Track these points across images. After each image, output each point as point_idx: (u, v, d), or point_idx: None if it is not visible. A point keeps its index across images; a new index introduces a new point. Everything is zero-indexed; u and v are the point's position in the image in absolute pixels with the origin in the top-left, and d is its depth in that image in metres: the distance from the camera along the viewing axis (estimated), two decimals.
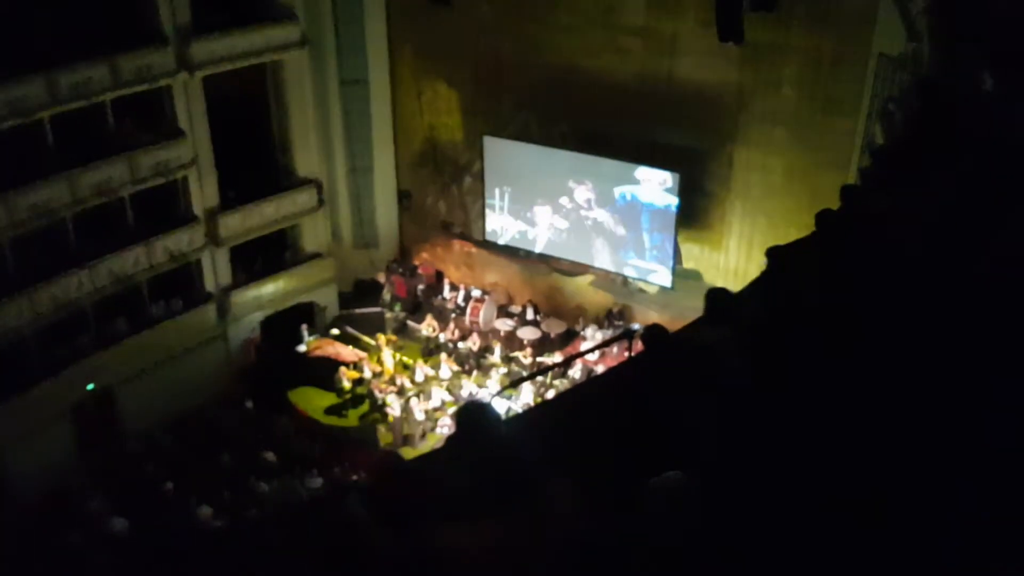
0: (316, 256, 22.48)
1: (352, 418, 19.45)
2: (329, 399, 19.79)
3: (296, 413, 19.64)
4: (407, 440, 18.64)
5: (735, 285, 14.44)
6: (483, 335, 21.34)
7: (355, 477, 16.91)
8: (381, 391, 19.62)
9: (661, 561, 3.85)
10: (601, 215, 20.05)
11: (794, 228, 14.20)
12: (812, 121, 17.12)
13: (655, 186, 18.99)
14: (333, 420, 19.39)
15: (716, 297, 6.33)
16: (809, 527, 4.39)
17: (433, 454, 8.83)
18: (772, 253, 7.78)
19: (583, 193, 20.00)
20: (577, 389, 13.18)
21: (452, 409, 18.49)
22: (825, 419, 5.26)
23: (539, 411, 11.96)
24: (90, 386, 18.43)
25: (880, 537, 4.30)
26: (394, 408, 19.11)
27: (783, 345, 6.06)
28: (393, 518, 4.10)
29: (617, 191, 19.62)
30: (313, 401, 19.84)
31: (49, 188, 17.05)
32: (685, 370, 5.73)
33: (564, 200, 20.31)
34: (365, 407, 19.58)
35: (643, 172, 19.07)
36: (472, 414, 4.71)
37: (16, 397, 16.99)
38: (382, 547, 3.92)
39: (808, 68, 16.93)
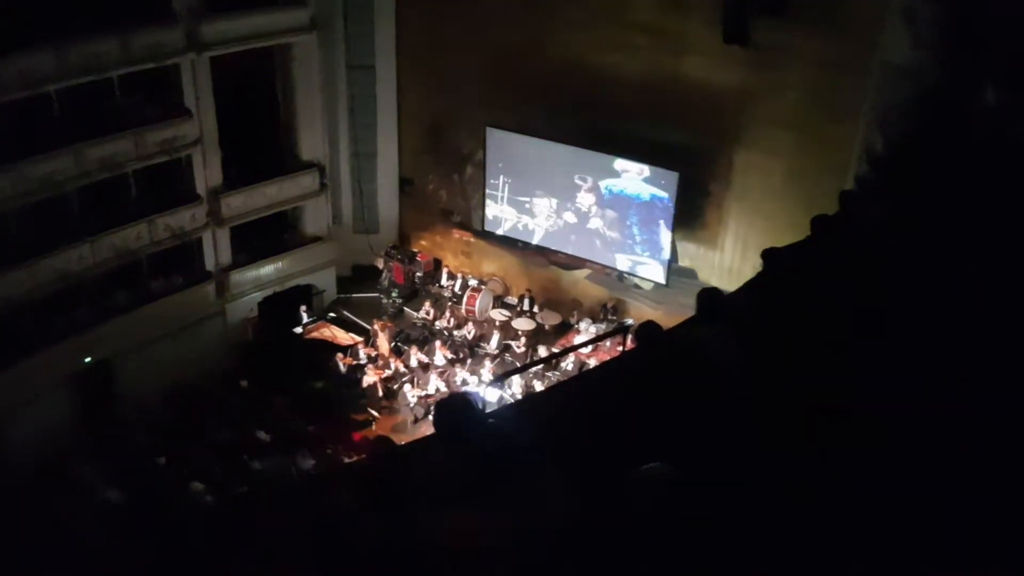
0: (316, 239, 22.63)
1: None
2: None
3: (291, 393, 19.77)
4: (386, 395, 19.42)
5: (730, 284, 14.59)
6: (479, 324, 21.47)
7: (347, 459, 17.05)
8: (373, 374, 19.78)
9: (643, 549, 3.98)
10: (596, 209, 20.19)
11: (791, 231, 14.26)
12: (814, 126, 17.11)
13: (634, 176, 19.14)
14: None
15: (708, 297, 6.46)
16: (792, 521, 4.53)
17: (425, 440, 8.95)
18: (768, 255, 7.90)
19: (587, 198, 20.14)
20: (569, 381, 13.29)
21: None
22: (810, 423, 5.39)
23: (530, 402, 12.09)
24: (87, 359, 18.57)
25: (872, 539, 4.42)
26: (369, 376, 19.63)
27: (774, 344, 6.19)
28: (382, 502, 4.23)
29: (603, 184, 19.76)
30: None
31: (55, 161, 17.09)
32: (678, 365, 5.87)
33: (569, 202, 20.43)
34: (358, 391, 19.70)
35: (621, 163, 19.23)
36: (451, 411, 4.60)
37: (14, 366, 17.11)
38: (369, 532, 4.06)
39: (812, 73, 16.90)
